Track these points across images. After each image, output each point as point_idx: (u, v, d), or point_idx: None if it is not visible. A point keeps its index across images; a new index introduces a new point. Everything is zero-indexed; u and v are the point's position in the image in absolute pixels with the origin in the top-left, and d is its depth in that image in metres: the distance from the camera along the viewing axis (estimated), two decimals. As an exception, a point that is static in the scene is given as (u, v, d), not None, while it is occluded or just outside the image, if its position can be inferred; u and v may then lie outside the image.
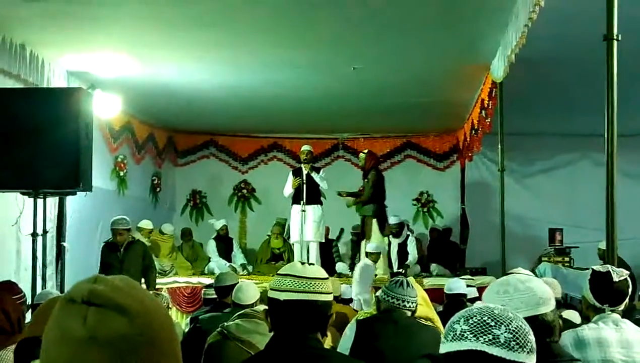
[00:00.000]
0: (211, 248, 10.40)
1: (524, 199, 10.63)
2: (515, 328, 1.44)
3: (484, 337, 1.43)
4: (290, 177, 9.43)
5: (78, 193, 6.05)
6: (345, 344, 3.33)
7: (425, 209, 11.87)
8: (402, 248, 9.91)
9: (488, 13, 5.43)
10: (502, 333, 1.43)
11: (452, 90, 8.33)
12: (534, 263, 8.82)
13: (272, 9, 5.48)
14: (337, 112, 9.78)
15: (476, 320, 1.45)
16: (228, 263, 10.05)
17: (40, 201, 5.75)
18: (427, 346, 2.87)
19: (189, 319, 6.82)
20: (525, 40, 4.81)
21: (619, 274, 3.08)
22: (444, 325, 1.67)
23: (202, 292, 6.79)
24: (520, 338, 1.43)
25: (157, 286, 8.07)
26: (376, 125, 11.21)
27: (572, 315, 4.73)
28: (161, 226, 10.16)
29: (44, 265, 5.91)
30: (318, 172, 9.38)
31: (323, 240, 9.73)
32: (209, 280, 7.75)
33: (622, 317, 3.07)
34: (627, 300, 3.11)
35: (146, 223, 9.57)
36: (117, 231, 7.50)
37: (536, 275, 5.82)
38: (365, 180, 9.49)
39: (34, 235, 5.76)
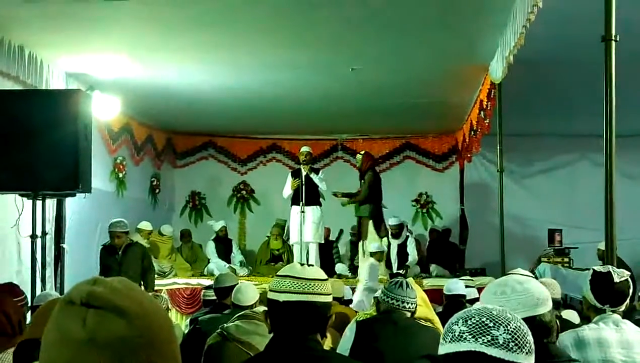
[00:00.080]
0: (210, 249, 10.39)
1: (523, 200, 10.61)
2: (514, 329, 1.45)
3: (483, 338, 1.43)
4: (289, 178, 9.43)
5: (77, 194, 6.05)
6: (344, 345, 3.33)
7: (424, 210, 11.86)
8: (401, 249, 9.91)
9: (487, 14, 5.43)
10: (500, 334, 1.43)
11: (451, 91, 8.33)
12: (534, 264, 8.81)
13: (272, 9, 5.47)
14: (336, 113, 9.78)
15: (475, 321, 1.46)
16: (227, 265, 10.04)
17: (39, 203, 5.74)
18: (426, 347, 2.87)
19: (188, 320, 6.82)
20: (523, 41, 4.82)
21: (619, 275, 3.08)
22: (443, 326, 1.67)
23: (202, 293, 6.78)
24: (519, 339, 1.43)
25: (156, 287, 8.05)
26: (375, 126, 11.21)
27: (572, 316, 4.74)
28: (160, 227, 10.16)
29: (43, 267, 5.90)
30: (317, 173, 9.37)
31: (322, 241, 9.71)
32: (208, 282, 7.75)
33: (623, 318, 3.07)
34: (627, 300, 3.11)
35: (145, 225, 9.57)
36: (114, 234, 7.47)
37: (536, 276, 5.82)
38: (362, 181, 9.49)
39: (33, 236, 5.75)
